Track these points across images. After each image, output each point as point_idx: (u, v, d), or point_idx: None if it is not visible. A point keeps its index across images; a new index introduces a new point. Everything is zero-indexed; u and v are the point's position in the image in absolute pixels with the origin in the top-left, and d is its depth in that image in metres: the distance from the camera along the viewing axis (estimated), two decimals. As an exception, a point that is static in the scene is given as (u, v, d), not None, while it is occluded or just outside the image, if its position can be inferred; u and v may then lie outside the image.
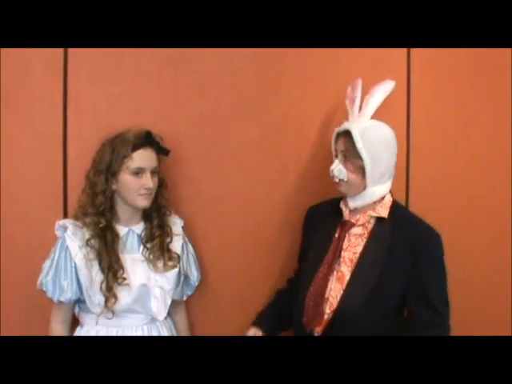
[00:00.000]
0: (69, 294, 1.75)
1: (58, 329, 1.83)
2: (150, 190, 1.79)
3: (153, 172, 1.80)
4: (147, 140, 1.79)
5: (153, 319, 1.86)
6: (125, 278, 1.77)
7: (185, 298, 2.00)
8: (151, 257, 1.84)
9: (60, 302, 1.77)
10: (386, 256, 1.67)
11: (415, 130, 2.14)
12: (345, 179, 1.72)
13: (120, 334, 1.81)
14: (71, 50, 1.96)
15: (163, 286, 1.84)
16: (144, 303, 1.82)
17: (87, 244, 1.75)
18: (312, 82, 2.10)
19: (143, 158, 1.77)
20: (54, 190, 1.98)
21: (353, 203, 1.75)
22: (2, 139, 1.95)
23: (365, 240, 1.72)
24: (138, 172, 1.76)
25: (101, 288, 1.74)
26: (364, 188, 1.72)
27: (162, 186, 1.88)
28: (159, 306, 1.83)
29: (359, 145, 1.67)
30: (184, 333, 2.02)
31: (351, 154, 1.70)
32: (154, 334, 1.86)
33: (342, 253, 1.73)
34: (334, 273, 1.72)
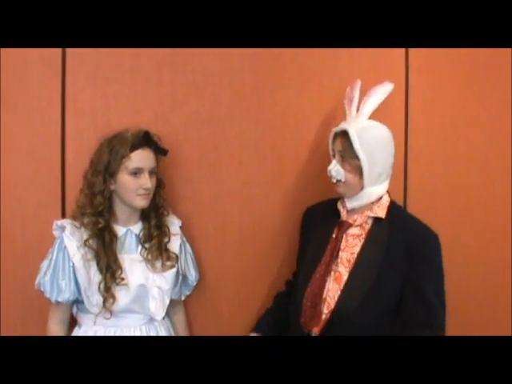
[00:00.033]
0: (67, 295, 1.74)
1: (55, 329, 1.82)
2: (149, 190, 1.79)
3: (151, 172, 1.80)
4: (145, 140, 1.79)
5: (151, 319, 1.86)
6: (123, 278, 1.77)
7: (183, 298, 2.00)
8: (149, 257, 1.84)
9: (58, 303, 1.77)
10: (383, 256, 1.67)
11: (413, 130, 2.14)
12: (342, 180, 1.72)
13: (118, 334, 1.80)
14: (69, 50, 1.96)
15: (161, 286, 1.83)
16: (142, 303, 1.82)
17: (85, 244, 1.75)
18: (310, 82, 2.11)
19: (141, 158, 1.77)
20: (52, 189, 1.98)
21: (350, 204, 1.75)
22: (1, 139, 1.95)
23: (362, 240, 1.72)
24: (136, 172, 1.76)
25: (99, 288, 1.73)
26: (361, 188, 1.72)
27: (159, 186, 1.88)
28: (157, 306, 1.83)
29: (356, 145, 1.67)
30: (182, 333, 2.02)
31: (348, 155, 1.70)
32: (152, 334, 1.86)
33: (340, 253, 1.73)
34: (332, 273, 1.72)
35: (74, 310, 1.86)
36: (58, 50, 1.96)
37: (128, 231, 1.86)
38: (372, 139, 1.69)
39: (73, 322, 1.88)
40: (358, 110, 1.79)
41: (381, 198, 1.75)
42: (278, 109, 2.10)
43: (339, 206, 1.81)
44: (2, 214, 1.96)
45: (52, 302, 1.78)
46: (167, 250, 1.87)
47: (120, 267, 1.78)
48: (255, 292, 2.12)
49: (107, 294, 1.74)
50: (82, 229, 1.77)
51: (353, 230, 1.75)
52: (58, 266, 1.75)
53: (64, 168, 1.98)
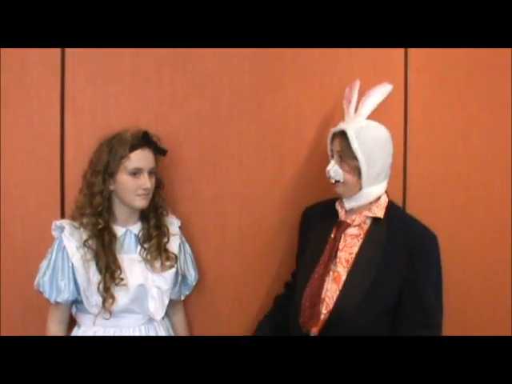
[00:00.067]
0: (66, 295, 1.74)
1: (54, 329, 1.82)
2: (148, 191, 1.79)
3: (150, 172, 1.80)
4: (145, 140, 1.79)
5: (150, 319, 1.86)
6: (122, 279, 1.77)
7: (182, 298, 2.00)
8: (148, 257, 1.84)
9: (57, 303, 1.77)
10: (381, 256, 1.67)
11: (413, 130, 2.14)
12: (341, 180, 1.72)
13: (117, 334, 1.80)
14: (69, 50, 1.96)
15: (160, 286, 1.83)
16: (141, 303, 1.82)
17: (84, 245, 1.75)
18: (310, 82, 2.10)
19: (141, 158, 1.77)
20: (51, 189, 1.98)
21: (348, 204, 1.75)
22: (0, 139, 1.95)
23: (361, 240, 1.72)
24: (135, 172, 1.76)
25: (98, 288, 1.73)
26: (360, 189, 1.72)
27: (158, 186, 1.88)
28: (156, 306, 1.83)
29: (355, 145, 1.67)
30: (182, 333, 2.02)
31: (347, 155, 1.70)
32: (152, 334, 1.86)
33: (338, 253, 1.73)
34: (330, 273, 1.72)
35: (73, 310, 1.86)
36: (58, 50, 1.96)
37: (127, 231, 1.86)
38: (370, 139, 1.69)
39: (72, 323, 1.88)
40: (356, 110, 1.79)
41: (379, 198, 1.75)
42: (277, 109, 2.10)
43: (337, 206, 1.81)
44: (2, 214, 1.97)
45: (51, 303, 1.78)
46: (166, 250, 1.87)
47: (119, 267, 1.77)
48: (255, 292, 2.12)
49: (106, 294, 1.74)
50: (82, 229, 1.77)
51: (351, 230, 1.75)
52: (57, 267, 1.75)
53: (63, 168, 1.99)
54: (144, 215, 1.88)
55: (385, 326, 1.69)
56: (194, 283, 2.00)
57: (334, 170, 1.72)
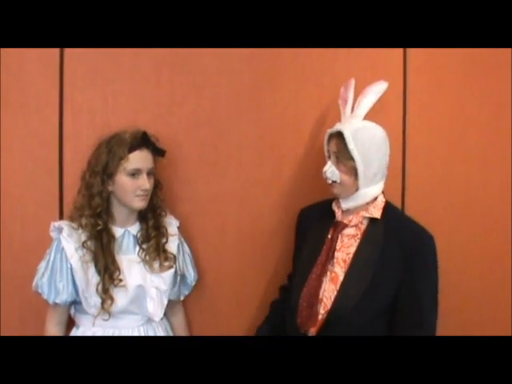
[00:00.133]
0: (64, 296, 1.74)
1: (53, 330, 1.82)
2: (147, 192, 1.79)
3: (149, 173, 1.79)
4: (143, 141, 1.78)
5: (149, 320, 1.86)
6: (121, 280, 1.76)
7: (182, 298, 2.00)
8: (147, 258, 1.84)
9: (55, 304, 1.77)
10: (378, 257, 1.67)
11: (411, 131, 2.14)
12: (337, 181, 1.72)
13: (116, 335, 1.80)
14: (67, 50, 1.96)
15: (159, 287, 1.83)
16: (140, 304, 1.82)
17: (83, 246, 1.75)
18: (309, 82, 2.11)
19: (140, 159, 1.76)
20: (50, 189, 1.98)
21: (345, 204, 1.75)
22: (-2, 139, 1.95)
23: (358, 241, 1.72)
24: (134, 173, 1.75)
25: (97, 290, 1.73)
26: (357, 189, 1.71)
27: (157, 186, 1.88)
28: (155, 307, 1.83)
29: (351, 146, 1.67)
30: (182, 333, 2.02)
31: (343, 156, 1.70)
32: (151, 334, 1.86)
33: (336, 253, 1.73)
34: (328, 273, 1.72)
35: (72, 311, 1.86)
36: (56, 50, 1.96)
37: (126, 232, 1.86)
38: (367, 140, 1.68)
39: (70, 323, 1.88)
40: (352, 110, 1.79)
41: (376, 198, 1.75)
42: (276, 109, 2.10)
43: (334, 207, 1.81)
44: (1, 214, 1.96)
45: (49, 304, 1.78)
46: (165, 251, 1.87)
47: (118, 268, 1.77)
48: (254, 291, 2.12)
49: (105, 295, 1.73)
50: (80, 230, 1.77)
51: (348, 231, 1.75)
52: (55, 268, 1.75)
53: (62, 168, 1.98)
54: (142, 216, 1.88)
55: (382, 326, 1.69)
56: (194, 283, 2.00)
57: (331, 170, 1.72)
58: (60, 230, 1.78)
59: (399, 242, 1.68)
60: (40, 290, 1.76)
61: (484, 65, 2.16)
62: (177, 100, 2.04)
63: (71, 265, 1.74)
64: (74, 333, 1.85)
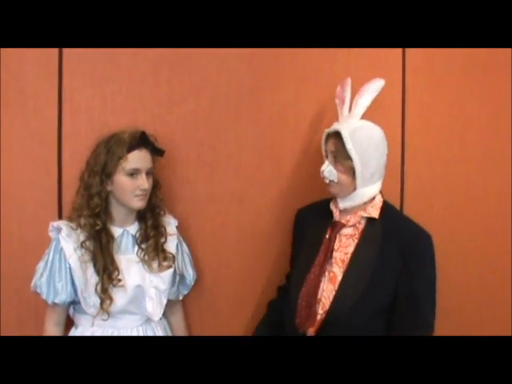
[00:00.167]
0: (63, 296, 1.74)
1: (52, 331, 1.82)
2: (146, 191, 1.78)
3: (148, 173, 1.79)
4: (142, 141, 1.78)
5: (148, 320, 1.86)
6: (120, 280, 1.76)
7: (181, 298, 2.00)
8: (146, 257, 1.84)
9: (54, 304, 1.77)
10: (377, 256, 1.67)
11: (410, 131, 2.14)
12: (335, 180, 1.72)
13: (115, 335, 1.80)
14: (66, 50, 1.96)
15: (158, 287, 1.83)
16: (139, 304, 1.81)
17: (82, 246, 1.75)
18: (307, 82, 2.10)
19: (138, 159, 1.76)
20: (48, 189, 1.98)
21: (343, 204, 1.75)
22: (-2, 139, 1.95)
23: (356, 240, 1.72)
24: (133, 173, 1.75)
25: (96, 290, 1.73)
26: (354, 189, 1.72)
27: (155, 186, 1.88)
28: (154, 307, 1.83)
29: (349, 145, 1.67)
30: (181, 333, 2.02)
31: (341, 155, 1.70)
32: (150, 334, 1.86)
33: (334, 253, 1.73)
34: (326, 273, 1.72)
35: (71, 311, 1.85)
36: (55, 50, 1.95)
37: (124, 232, 1.86)
38: (364, 140, 1.68)
39: (69, 323, 1.87)
40: (350, 109, 1.79)
41: (374, 198, 1.75)
42: (275, 109, 2.10)
43: (332, 207, 1.81)
44: (0, 213, 1.96)
45: (48, 304, 1.78)
46: (164, 251, 1.87)
47: (117, 268, 1.77)
48: (253, 291, 2.12)
49: (104, 295, 1.73)
50: (79, 230, 1.76)
51: (346, 231, 1.75)
52: (54, 268, 1.74)
53: (61, 168, 1.98)
54: (141, 215, 1.88)
55: (380, 325, 1.70)
56: (192, 283, 2.00)
57: (328, 170, 1.72)
58: (59, 229, 1.77)
59: (397, 241, 1.68)
60: (39, 290, 1.76)
61: (483, 65, 2.16)
62: (176, 100, 2.04)
63: (70, 265, 1.74)
64: (73, 333, 1.84)
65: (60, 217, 1.96)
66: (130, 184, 1.75)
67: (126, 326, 1.82)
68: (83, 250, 1.75)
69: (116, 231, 1.83)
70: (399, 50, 2.13)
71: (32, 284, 1.78)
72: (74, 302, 1.80)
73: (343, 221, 1.75)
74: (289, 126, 2.10)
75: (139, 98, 2.01)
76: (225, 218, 2.10)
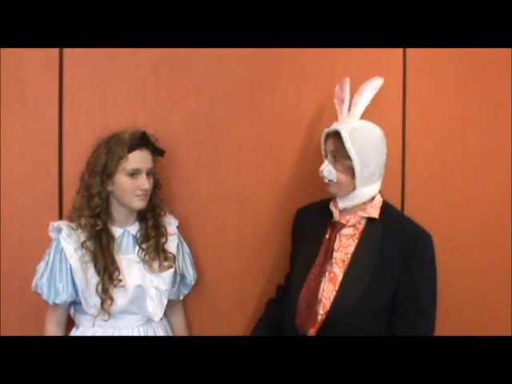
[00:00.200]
0: (64, 297, 1.74)
1: (52, 331, 1.82)
2: (146, 191, 1.78)
3: (148, 173, 1.79)
4: (143, 141, 1.78)
5: (149, 320, 1.86)
6: (120, 280, 1.76)
7: (181, 298, 2.00)
8: (146, 257, 1.84)
9: (55, 305, 1.77)
10: (377, 256, 1.67)
11: (411, 131, 2.14)
12: (334, 180, 1.72)
13: (116, 335, 1.80)
14: (67, 50, 1.96)
15: (159, 287, 1.83)
16: (140, 304, 1.81)
17: (82, 246, 1.75)
18: (308, 82, 2.10)
19: (139, 159, 1.76)
20: (49, 189, 1.98)
21: (342, 204, 1.75)
22: (-2, 138, 1.95)
23: (356, 240, 1.72)
24: (133, 173, 1.75)
25: (96, 290, 1.73)
26: (354, 188, 1.71)
27: (156, 186, 1.88)
28: (155, 307, 1.83)
29: (348, 145, 1.67)
30: (182, 333, 2.01)
31: (340, 155, 1.69)
32: (150, 334, 1.86)
33: (334, 253, 1.73)
34: (326, 274, 1.72)
35: (72, 311, 1.85)
36: (56, 50, 1.95)
37: (125, 232, 1.86)
38: (364, 139, 1.68)
39: (70, 324, 1.87)
40: (349, 109, 1.79)
41: (373, 197, 1.75)
42: (276, 109, 2.10)
43: (331, 207, 1.80)
44: (0, 213, 1.96)
45: (49, 304, 1.78)
46: (164, 251, 1.87)
47: (117, 269, 1.77)
48: (254, 291, 2.12)
49: (105, 295, 1.73)
50: (79, 230, 1.76)
51: (346, 231, 1.75)
52: (55, 268, 1.74)
53: (61, 168, 1.98)
54: (142, 216, 1.88)
55: (381, 325, 1.70)
56: (193, 283, 1.99)
57: (328, 169, 1.72)
58: (59, 230, 1.77)
59: (397, 241, 1.68)
60: (39, 291, 1.76)
61: (484, 65, 2.16)
62: (176, 100, 2.04)
63: (71, 265, 1.74)
64: (74, 333, 1.84)
65: (60, 217, 1.96)
66: (131, 184, 1.75)
67: (127, 326, 1.82)
68: (84, 251, 1.75)
69: (116, 231, 1.83)
70: (399, 50, 2.13)
71: (33, 284, 1.78)
72: (75, 303, 1.80)
73: (343, 221, 1.75)
74: (289, 126, 2.10)
75: (139, 98, 2.01)
76: (225, 218, 2.10)
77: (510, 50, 2.15)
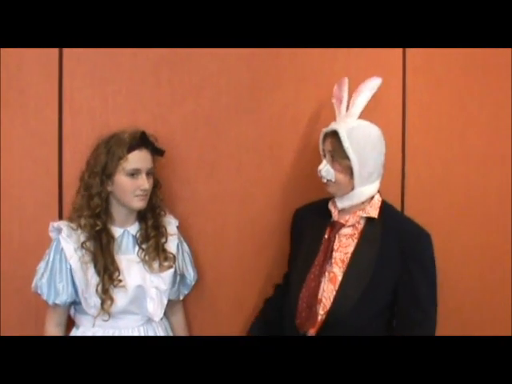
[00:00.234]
0: (64, 297, 1.74)
1: (52, 331, 1.82)
2: (146, 192, 1.78)
3: (148, 173, 1.79)
4: (142, 141, 1.78)
5: (149, 320, 1.86)
6: (120, 280, 1.76)
7: (181, 298, 1.99)
8: (146, 258, 1.84)
9: (55, 305, 1.76)
10: (377, 256, 1.67)
11: (410, 131, 2.14)
12: (333, 179, 1.72)
13: (116, 335, 1.80)
14: (66, 50, 1.96)
15: (159, 287, 1.83)
16: (140, 304, 1.81)
17: (82, 246, 1.75)
18: (307, 82, 2.10)
19: (139, 159, 1.76)
20: (49, 189, 1.98)
21: (341, 203, 1.75)
22: (-2, 139, 1.95)
23: (355, 240, 1.72)
24: (133, 173, 1.75)
25: (97, 290, 1.73)
26: (352, 188, 1.71)
27: (155, 186, 1.88)
28: (155, 307, 1.83)
29: (346, 144, 1.67)
30: (182, 333, 2.01)
31: (338, 154, 1.69)
32: (151, 334, 1.85)
33: (333, 253, 1.73)
34: (326, 274, 1.72)
35: (72, 311, 1.85)
36: (55, 50, 1.96)
37: (125, 232, 1.86)
38: (362, 139, 1.68)
39: (70, 324, 1.87)
40: (347, 109, 1.79)
41: (372, 197, 1.75)
42: (276, 109, 2.10)
43: (330, 207, 1.80)
44: (0, 214, 1.96)
45: (49, 305, 1.78)
46: (164, 251, 1.87)
47: (117, 269, 1.77)
48: (254, 291, 2.12)
49: (105, 295, 1.73)
50: (79, 231, 1.76)
51: (345, 230, 1.75)
52: (55, 269, 1.74)
53: (61, 168, 1.98)
54: (142, 216, 1.88)
55: (381, 325, 1.70)
56: (193, 283, 1.99)
57: (326, 169, 1.72)
58: (59, 230, 1.77)
59: (396, 240, 1.68)
60: (39, 291, 1.75)
61: (483, 65, 2.16)
62: (176, 100, 2.04)
63: (71, 265, 1.74)
64: (74, 333, 1.84)
65: (60, 217, 1.97)
66: (131, 184, 1.75)
67: (127, 327, 1.82)
68: (84, 251, 1.74)
69: (116, 231, 1.83)
70: (399, 50, 2.13)
71: (33, 285, 1.78)
72: (75, 303, 1.80)
73: (342, 221, 1.75)
74: (289, 126, 2.10)
75: (140, 98, 2.02)
76: (225, 218, 2.10)
77: (509, 50, 2.16)
